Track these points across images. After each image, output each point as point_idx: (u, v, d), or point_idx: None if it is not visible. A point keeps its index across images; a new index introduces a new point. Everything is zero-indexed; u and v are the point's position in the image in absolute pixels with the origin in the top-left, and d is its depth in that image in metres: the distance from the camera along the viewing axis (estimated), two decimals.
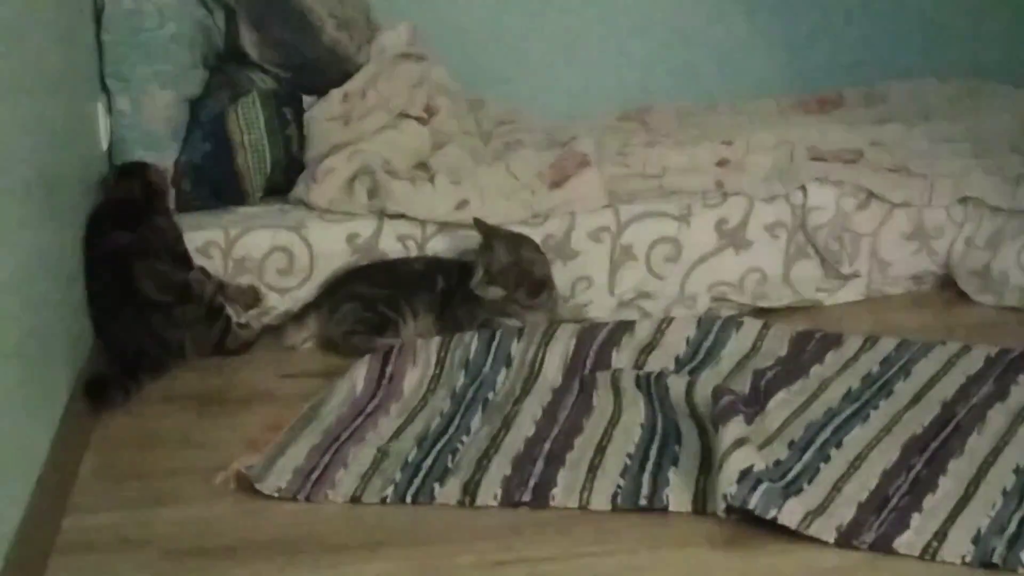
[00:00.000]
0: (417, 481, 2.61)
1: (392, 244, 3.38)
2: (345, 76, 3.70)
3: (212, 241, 3.36)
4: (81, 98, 3.34)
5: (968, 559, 2.25)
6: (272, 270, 3.36)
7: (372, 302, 3.28)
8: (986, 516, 2.33)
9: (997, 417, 2.68)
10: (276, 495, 2.59)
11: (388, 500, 2.57)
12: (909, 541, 2.29)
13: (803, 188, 3.44)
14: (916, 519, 2.34)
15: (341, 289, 3.33)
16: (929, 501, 2.39)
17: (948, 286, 3.43)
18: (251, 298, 3.33)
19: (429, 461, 2.67)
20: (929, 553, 2.27)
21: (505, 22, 4.37)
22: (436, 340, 3.15)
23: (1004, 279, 3.32)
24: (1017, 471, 2.47)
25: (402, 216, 3.39)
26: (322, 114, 3.62)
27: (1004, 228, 3.38)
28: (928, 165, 3.51)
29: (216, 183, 3.56)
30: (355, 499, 2.58)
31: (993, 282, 3.33)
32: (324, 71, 3.71)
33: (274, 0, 3.70)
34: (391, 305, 3.28)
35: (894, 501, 2.40)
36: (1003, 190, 3.42)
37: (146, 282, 3.11)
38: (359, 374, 3.03)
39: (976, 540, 2.27)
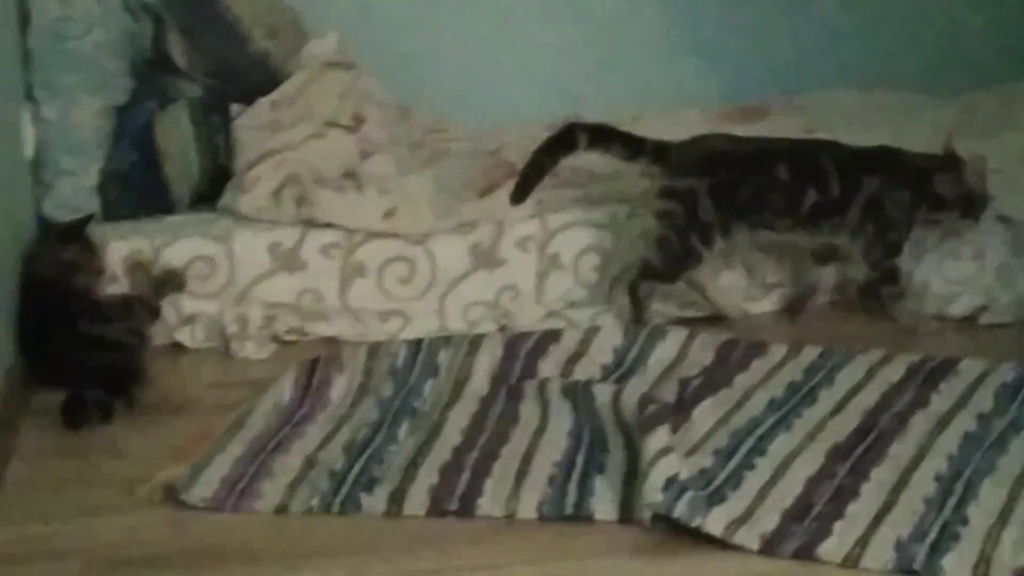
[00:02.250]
0: (344, 491, 2.60)
1: (315, 254, 3.38)
2: (273, 84, 3.68)
3: (138, 251, 3.34)
4: (6, 106, 3.32)
5: (890, 566, 2.27)
6: (193, 278, 3.35)
7: None
8: (908, 524, 2.36)
9: (918, 425, 2.71)
10: (202, 505, 2.58)
11: (315, 510, 2.57)
12: (832, 548, 2.31)
13: None
14: (839, 526, 2.36)
15: None
16: (852, 509, 2.41)
17: (872, 295, 3.45)
18: (178, 282, 3.32)
19: (356, 470, 2.67)
20: (851, 560, 2.29)
21: (434, 31, 4.37)
22: (363, 349, 3.16)
23: (924, 288, 3.35)
24: (938, 478, 2.49)
25: (329, 225, 3.39)
26: (250, 122, 3.61)
27: (925, 237, 3.41)
28: None
29: (143, 192, 3.55)
30: (282, 509, 2.58)
31: (914, 290, 3.36)
32: (253, 80, 3.70)
33: (203, 8, 3.69)
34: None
35: (817, 509, 2.42)
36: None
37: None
38: (286, 383, 3.02)
39: (898, 547, 2.30)
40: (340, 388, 3.03)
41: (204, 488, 2.61)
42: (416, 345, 3.18)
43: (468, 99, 4.33)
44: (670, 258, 3.28)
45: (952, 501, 2.42)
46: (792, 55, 4.51)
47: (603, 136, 3.34)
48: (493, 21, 4.42)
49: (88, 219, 3.33)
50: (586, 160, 3.62)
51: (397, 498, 2.57)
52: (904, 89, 4.28)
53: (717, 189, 3.24)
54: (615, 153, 3.34)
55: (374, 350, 3.17)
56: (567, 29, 4.46)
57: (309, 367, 3.08)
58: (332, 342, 3.35)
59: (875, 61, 4.52)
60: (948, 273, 3.36)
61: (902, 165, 3.30)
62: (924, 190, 3.28)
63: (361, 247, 3.39)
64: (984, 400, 2.80)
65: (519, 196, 3.34)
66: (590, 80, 4.46)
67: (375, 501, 2.57)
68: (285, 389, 3.01)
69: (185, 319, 3.37)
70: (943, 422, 2.71)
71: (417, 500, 2.56)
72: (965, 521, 2.35)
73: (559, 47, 4.46)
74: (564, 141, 3.35)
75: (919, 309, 3.34)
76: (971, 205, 3.29)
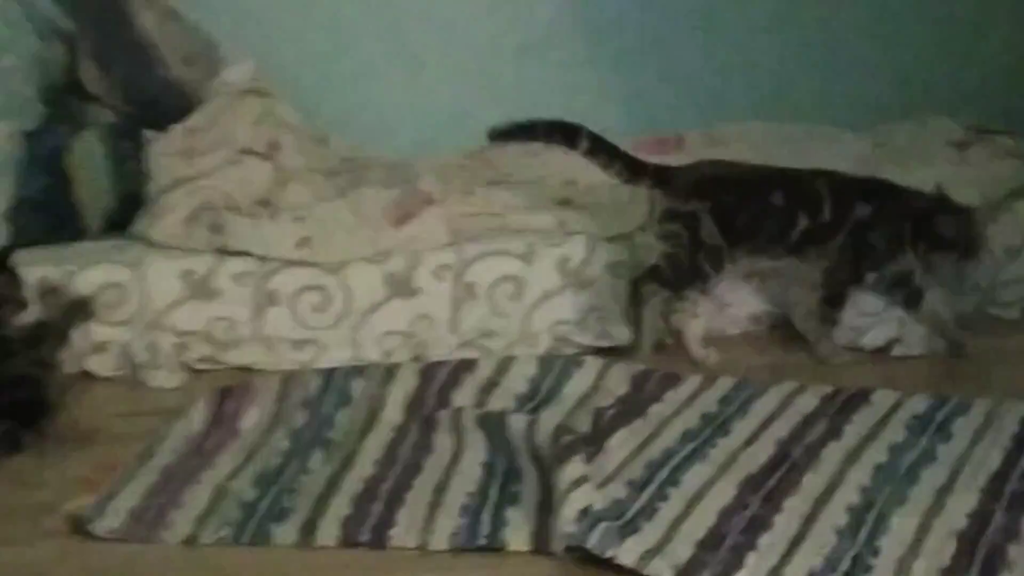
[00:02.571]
0: (254, 522, 2.58)
1: (228, 282, 3.35)
2: (188, 111, 3.65)
3: (47, 278, 3.30)
4: None
5: None
6: (103, 306, 3.30)
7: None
8: (820, 555, 2.36)
9: (831, 456, 2.72)
10: (110, 537, 2.55)
11: (225, 541, 2.54)
12: None
13: (644, 228, 3.47)
14: (752, 558, 2.36)
15: None
16: (764, 540, 2.41)
17: (785, 326, 3.47)
18: (88, 310, 3.27)
19: (267, 501, 2.64)
20: None
21: (351, 59, 4.37)
22: (276, 378, 3.13)
23: (838, 319, 3.37)
24: (850, 509, 2.50)
25: (243, 253, 3.36)
26: (164, 149, 3.57)
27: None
28: None
29: (54, 218, 3.51)
30: (191, 540, 2.55)
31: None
32: (167, 106, 3.67)
33: (116, 34, 3.66)
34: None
35: (730, 540, 2.42)
36: None
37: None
38: (197, 412, 3.00)
39: None
40: (252, 418, 3.01)
41: (112, 519, 2.58)
42: (329, 374, 3.16)
43: (385, 128, 4.33)
44: (679, 272, 3.29)
45: (864, 532, 2.43)
46: (709, 87, 4.54)
47: (606, 150, 3.35)
48: (411, 50, 4.42)
49: (9, 249, 3.30)
50: (502, 191, 3.63)
51: (308, 529, 2.54)
52: (819, 122, 4.31)
53: (718, 213, 3.26)
54: (615, 171, 3.34)
55: (287, 379, 3.15)
56: (485, 59, 4.47)
57: (220, 396, 3.06)
58: (245, 371, 3.32)
59: (791, 94, 4.55)
60: (861, 305, 3.38)
61: (901, 200, 3.33)
62: (924, 228, 3.30)
63: (275, 275, 3.37)
64: (896, 431, 2.81)
65: (500, 135, 3.39)
66: (507, 110, 4.46)
67: (286, 532, 2.54)
68: (196, 418, 2.98)
69: (95, 347, 3.33)
70: (855, 453, 2.72)
71: (329, 531, 2.54)
72: (877, 552, 2.36)
73: (477, 77, 4.46)
74: (567, 133, 3.36)
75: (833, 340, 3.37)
76: (971, 248, 3.32)
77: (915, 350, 3.32)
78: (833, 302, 3.32)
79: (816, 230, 3.28)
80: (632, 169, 3.33)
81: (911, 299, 3.32)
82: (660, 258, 3.30)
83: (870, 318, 3.37)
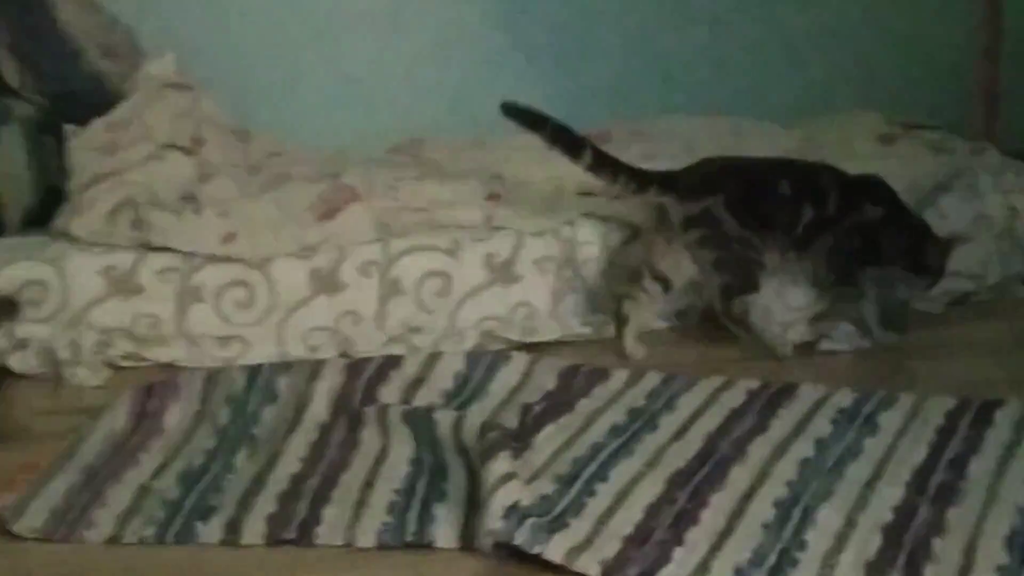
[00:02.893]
0: (179, 520, 2.55)
1: (151, 278, 3.32)
2: (109, 105, 3.62)
3: None
4: None
5: None
6: (24, 303, 3.26)
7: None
8: (747, 549, 2.36)
9: (758, 450, 2.72)
10: (32, 536, 2.52)
11: (149, 540, 2.51)
12: (671, 574, 2.31)
13: (571, 223, 3.48)
14: (679, 553, 2.36)
15: None
16: (692, 535, 2.41)
17: (712, 320, 3.48)
18: (8, 308, 3.23)
19: (192, 500, 2.62)
20: None
21: (275, 53, 4.34)
22: (200, 375, 3.11)
23: (767, 313, 3.38)
24: (777, 504, 2.50)
25: (166, 249, 3.33)
26: (85, 144, 3.54)
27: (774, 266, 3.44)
28: None
29: None
30: (114, 540, 2.52)
31: (758, 317, 3.38)
32: (88, 100, 3.64)
33: (35, 26, 3.62)
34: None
35: (658, 535, 2.42)
36: None
37: None
38: (120, 410, 2.97)
39: (737, 573, 2.30)
40: (176, 415, 2.98)
41: (34, 518, 2.55)
42: (255, 371, 3.14)
43: (309, 122, 4.30)
44: (738, 270, 3.28)
45: (790, 527, 2.43)
46: (636, 81, 4.54)
47: (609, 164, 3.31)
48: (335, 45, 4.40)
49: None
50: (429, 186, 3.62)
51: (233, 527, 2.52)
52: (748, 116, 4.32)
53: (729, 206, 3.25)
54: (621, 184, 3.30)
55: (212, 376, 3.12)
56: (411, 55, 4.46)
57: (144, 394, 3.03)
58: (169, 368, 3.29)
59: (720, 88, 4.57)
60: (789, 300, 3.39)
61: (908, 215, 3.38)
62: (914, 251, 3.35)
63: (199, 271, 3.34)
64: (822, 425, 2.82)
65: (514, 113, 3.34)
66: (433, 106, 4.46)
67: (211, 530, 2.52)
68: (119, 416, 2.95)
69: (16, 344, 3.29)
70: (782, 447, 2.73)
71: (254, 529, 2.52)
72: (803, 546, 2.36)
73: (402, 72, 4.45)
74: (572, 144, 3.33)
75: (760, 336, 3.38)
76: (938, 277, 3.37)
77: (841, 346, 3.34)
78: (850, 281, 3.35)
79: (819, 225, 3.29)
80: (638, 180, 3.30)
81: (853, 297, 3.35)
82: (714, 275, 3.28)
83: (797, 313, 3.38)
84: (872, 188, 3.36)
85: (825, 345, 3.34)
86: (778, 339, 3.30)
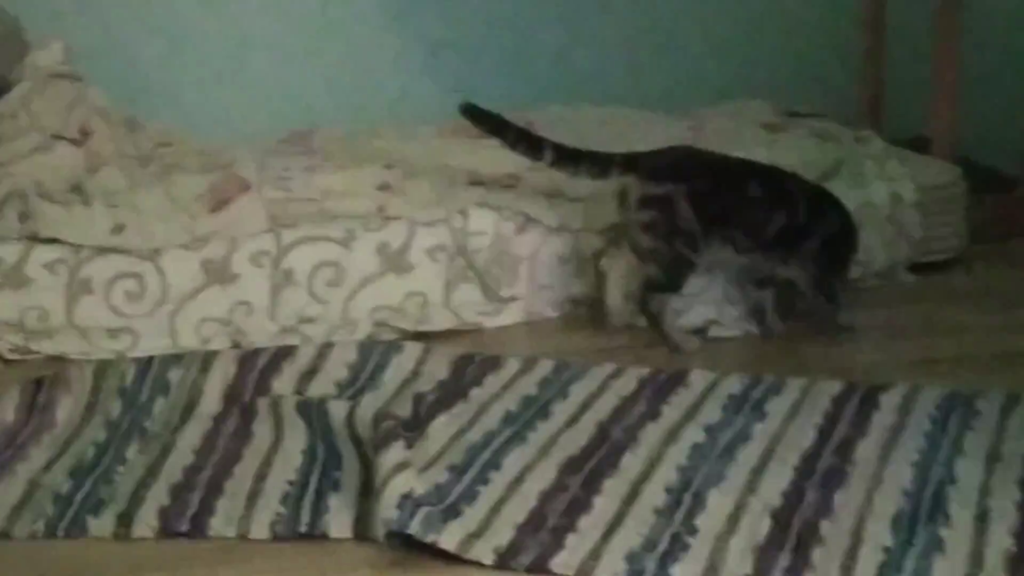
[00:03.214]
0: (70, 514, 2.53)
1: (39, 271, 3.28)
2: None
3: None
4: None
5: None
6: None
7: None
8: (638, 534, 2.38)
9: (649, 436, 2.75)
10: None
11: (39, 534, 2.48)
12: (565, 561, 2.32)
13: (463, 212, 3.49)
14: (571, 539, 2.38)
15: None
16: (584, 521, 2.43)
17: (603, 308, 3.50)
18: None
19: (83, 493, 2.60)
20: (584, 572, 2.30)
21: (164, 42, 4.31)
22: (91, 368, 3.08)
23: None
24: (668, 489, 2.53)
25: (55, 241, 3.30)
26: None
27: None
28: (583, 190, 3.59)
29: None
30: (4, 534, 2.49)
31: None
32: None
33: None
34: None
35: (551, 522, 2.43)
36: None
37: None
38: (9, 404, 2.92)
39: (629, 559, 2.32)
40: (66, 408, 2.95)
41: None
42: (146, 363, 3.11)
43: (199, 113, 4.28)
44: (667, 267, 3.28)
45: (681, 511, 2.45)
46: (525, 70, 4.56)
47: (570, 157, 3.34)
48: (225, 34, 4.38)
49: None
50: (321, 176, 3.61)
51: (125, 520, 2.50)
52: (635, 105, 4.36)
53: (693, 196, 3.25)
54: (584, 172, 3.34)
55: (102, 369, 3.09)
56: (302, 43, 4.44)
57: (33, 387, 2.99)
58: (58, 360, 3.26)
59: (607, 77, 4.60)
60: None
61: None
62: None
63: (88, 263, 3.31)
64: (712, 411, 2.85)
65: (472, 114, 3.40)
66: (324, 95, 4.45)
67: (102, 524, 2.50)
68: (8, 410, 2.91)
69: None
70: (673, 433, 2.76)
71: (146, 522, 2.50)
72: (694, 531, 2.39)
73: (292, 61, 4.43)
74: (532, 144, 3.37)
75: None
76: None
77: (731, 331, 3.37)
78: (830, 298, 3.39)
79: (791, 229, 3.31)
80: (599, 164, 3.33)
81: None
82: (647, 264, 3.30)
83: (689, 299, 3.40)
84: (828, 197, 3.41)
85: (715, 331, 3.37)
86: (684, 339, 3.32)
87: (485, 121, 3.39)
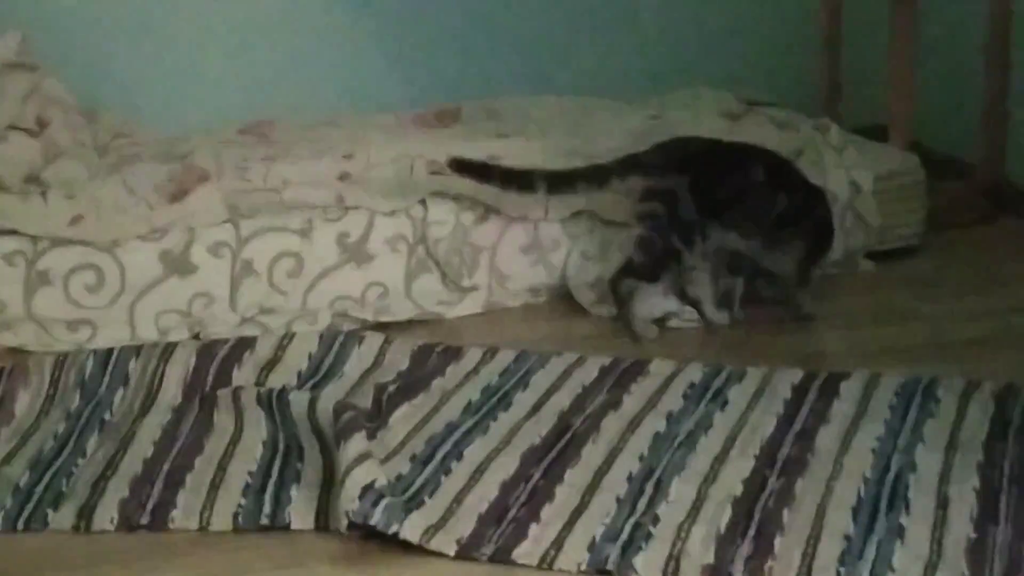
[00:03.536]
0: (29, 507, 2.52)
1: None
2: None
3: None
4: None
5: (583, 567, 2.29)
6: None
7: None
8: (600, 523, 2.39)
9: (611, 426, 2.75)
10: None
11: None
12: (527, 551, 2.33)
13: (423, 202, 3.48)
14: (534, 529, 2.38)
15: None
16: (546, 511, 2.43)
17: (564, 298, 3.51)
18: None
19: (42, 486, 2.59)
20: (547, 562, 2.31)
21: (122, 32, 4.28)
22: (50, 360, 3.06)
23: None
24: (629, 478, 2.53)
25: (13, 232, 3.28)
26: None
27: (614, 240, 3.47)
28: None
29: None
30: None
31: (606, 294, 3.41)
32: None
33: None
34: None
35: (513, 512, 2.44)
36: (616, 203, 3.51)
37: None
38: None
39: (591, 548, 2.32)
40: (25, 401, 2.94)
41: None
42: (106, 355, 3.10)
43: (156, 103, 4.26)
44: (653, 257, 3.28)
45: (644, 500, 2.46)
46: (486, 60, 4.55)
47: (563, 179, 3.34)
48: (182, 24, 4.35)
49: None
50: (279, 166, 3.60)
51: (85, 513, 2.49)
52: (595, 94, 4.36)
53: (696, 186, 3.25)
54: (583, 190, 3.35)
55: (61, 361, 3.08)
56: (258, 32, 4.42)
57: None
58: (17, 353, 3.24)
59: (567, 66, 4.60)
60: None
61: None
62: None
63: (46, 254, 3.29)
64: (673, 400, 2.86)
65: (461, 166, 3.36)
66: (282, 84, 4.43)
67: (62, 517, 2.49)
68: None
69: None
70: (634, 422, 2.76)
71: (106, 515, 2.49)
72: (656, 520, 2.39)
73: (250, 51, 4.41)
74: (523, 182, 3.35)
75: (612, 312, 3.41)
76: None
77: (689, 323, 3.37)
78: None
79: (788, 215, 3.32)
80: (596, 177, 3.33)
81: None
82: (632, 247, 3.30)
83: (648, 289, 3.40)
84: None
85: (674, 322, 3.38)
86: (644, 327, 3.32)
87: (471, 170, 3.38)
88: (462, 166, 3.36)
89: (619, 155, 3.37)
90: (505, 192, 3.41)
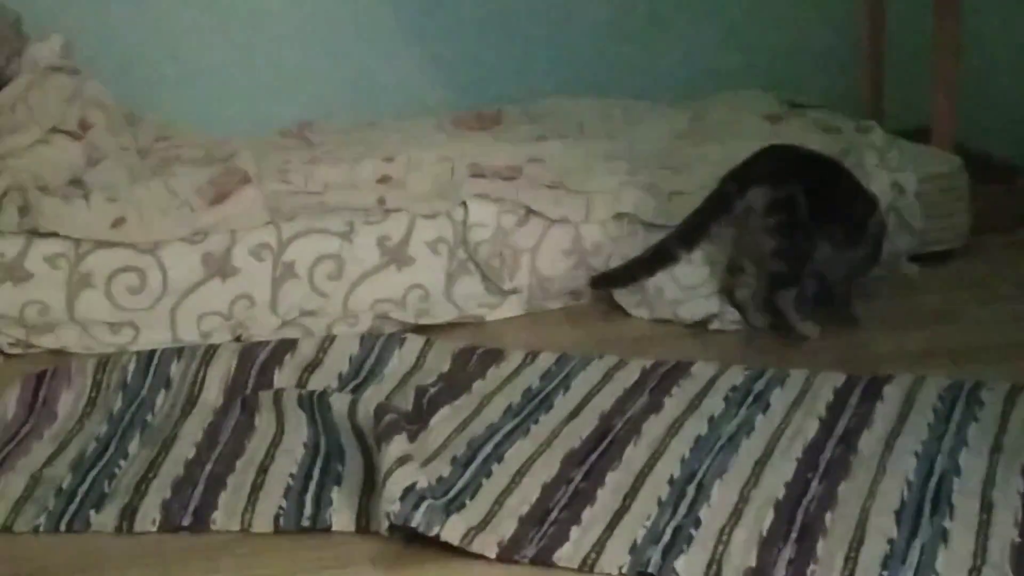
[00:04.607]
0: (72, 508, 2.53)
1: (40, 264, 3.28)
2: None
3: None
4: None
5: (625, 569, 2.29)
6: None
7: None
8: (642, 526, 2.38)
9: (652, 429, 2.74)
10: None
11: (41, 529, 2.48)
12: (568, 554, 2.32)
13: (464, 205, 3.48)
14: (575, 532, 2.38)
15: None
16: (588, 513, 2.43)
17: (605, 300, 3.50)
18: None
19: (85, 487, 2.60)
20: (588, 565, 2.30)
21: (163, 36, 4.30)
22: (92, 362, 3.08)
23: (659, 293, 3.40)
24: (671, 481, 2.53)
25: (55, 235, 3.29)
26: None
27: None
28: (585, 182, 3.59)
29: None
30: (6, 528, 2.49)
31: (648, 296, 3.41)
32: None
33: None
34: None
35: (554, 514, 2.43)
36: (656, 206, 3.51)
37: None
38: (10, 398, 2.93)
39: (632, 550, 2.32)
40: (68, 402, 2.95)
41: None
42: (147, 357, 3.10)
43: (198, 105, 4.27)
44: (792, 262, 3.28)
45: (685, 503, 2.45)
46: (527, 63, 4.55)
47: (695, 228, 3.34)
48: (223, 26, 4.36)
49: None
50: (321, 169, 3.61)
51: (127, 514, 2.50)
52: (637, 96, 4.36)
53: (808, 193, 3.25)
54: (712, 225, 3.33)
55: (103, 363, 3.09)
56: (299, 35, 4.43)
57: (35, 381, 2.99)
58: (59, 355, 3.25)
59: (608, 68, 4.59)
60: (680, 279, 3.41)
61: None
62: None
63: (89, 256, 3.30)
64: (715, 403, 2.85)
65: (603, 283, 3.44)
66: (322, 87, 4.44)
67: (105, 518, 2.50)
68: (9, 404, 2.91)
69: None
70: (676, 425, 2.75)
71: (148, 516, 2.50)
72: (698, 523, 2.38)
73: (290, 53, 4.42)
74: (665, 258, 3.36)
75: (653, 314, 3.40)
76: None
77: (730, 325, 3.36)
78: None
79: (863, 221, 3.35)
80: (720, 205, 3.31)
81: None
82: (772, 262, 3.28)
83: (689, 291, 3.40)
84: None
85: (715, 324, 3.36)
86: (806, 327, 3.31)
87: (616, 280, 3.43)
88: (607, 280, 3.43)
89: (728, 173, 3.34)
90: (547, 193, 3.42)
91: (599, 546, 2.34)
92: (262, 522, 2.48)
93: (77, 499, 2.56)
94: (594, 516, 2.42)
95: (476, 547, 2.34)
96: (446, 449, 2.69)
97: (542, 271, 3.50)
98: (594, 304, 3.51)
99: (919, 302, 3.47)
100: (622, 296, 3.46)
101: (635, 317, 3.43)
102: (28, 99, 3.57)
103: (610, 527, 2.39)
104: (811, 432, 2.71)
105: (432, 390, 2.93)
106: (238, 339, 3.30)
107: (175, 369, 3.06)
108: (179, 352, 3.13)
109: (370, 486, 2.52)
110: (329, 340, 3.18)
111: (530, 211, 3.50)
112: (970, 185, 3.79)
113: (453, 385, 2.97)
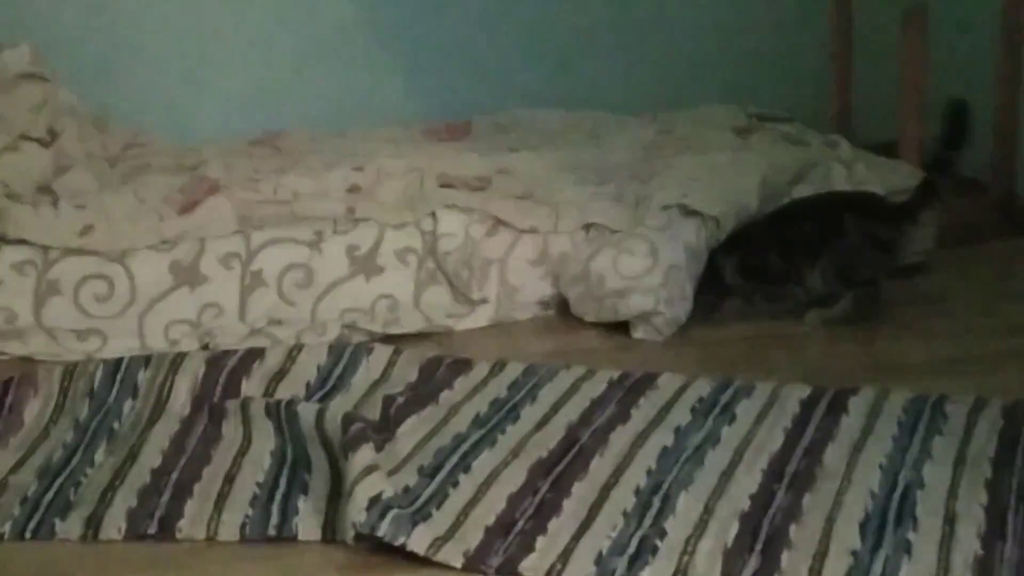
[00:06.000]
0: (37, 516, 2.52)
1: (7, 272, 3.27)
2: None
3: None
4: None
5: None
6: None
7: None
8: (607, 537, 2.39)
9: (619, 439, 2.75)
10: None
11: (5, 537, 2.48)
12: (534, 564, 2.32)
13: (433, 215, 3.48)
14: (541, 542, 2.38)
15: None
16: (553, 524, 2.43)
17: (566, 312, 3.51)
18: None
19: (50, 495, 2.59)
20: (554, 575, 2.31)
21: (133, 44, 4.30)
22: (59, 369, 3.07)
23: (600, 281, 3.39)
24: (637, 492, 2.53)
25: (23, 242, 3.29)
26: None
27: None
28: (554, 192, 3.60)
29: None
30: None
31: (590, 285, 3.40)
32: None
33: None
34: None
35: (520, 524, 2.44)
36: (624, 215, 3.52)
37: None
38: None
39: (598, 561, 2.32)
40: (34, 410, 2.94)
41: None
42: (115, 365, 3.10)
43: (168, 114, 4.27)
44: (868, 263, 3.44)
45: (650, 514, 2.45)
46: (496, 75, 4.56)
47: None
48: (194, 36, 4.37)
49: None
50: (290, 178, 3.61)
51: (93, 523, 2.49)
52: (605, 109, 4.37)
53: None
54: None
55: (70, 370, 3.08)
56: (269, 45, 4.44)
57: (1, 388, 2.98)
58: (26, 362, 3.25)
59: (577, 81, 4.61)
60: (622, 268, 3.40)
61: None
62: None
63: (57, 264, 3.30)
64: (682, 414, 2.85)
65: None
66: (292, 96, 4.44)
67: (70, 526, 2.49)
68: None
69: None
70: (642, 436, 2.76)
71: (114, 524, 2.49)
72: (663, 534, 2.39)
73: (260, 63, 4.43)
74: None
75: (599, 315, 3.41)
76: None
77: (664, 331, 3.35)
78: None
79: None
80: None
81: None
82: (852, 268, 3.42)
83: (631, 282, 3.38)
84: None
85: (639, 333, 3.36)
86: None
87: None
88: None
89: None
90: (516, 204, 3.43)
91: (564, 556, 2.34)
92: (228, 531, 2.48)
93: (42, 507, 2.55)
94: (560, 526, 2.43)
95: (442, 557, 2.34)
96: (413, 459, 2.69)
97: (511, 281, 3.51)
98: (562, 315, 3.51)
99: (884, 315, 3.48)
100: (582, 306, 3.44)
101: (600, 326, 3.42)
102: None
103: (576, 537, 2.39)
104: (777, 444, 2.71)
105: (400, 400, 2.93)
106: (206, 347, 3.29)
107: (142, 377, 3.05)
108: (147, 360, 3.12)
109: (337, 495, 2.51)
110: (297, 349, 3.18)
111: (499, 221, 3.51)
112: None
113: (420, 395, 2.98)
